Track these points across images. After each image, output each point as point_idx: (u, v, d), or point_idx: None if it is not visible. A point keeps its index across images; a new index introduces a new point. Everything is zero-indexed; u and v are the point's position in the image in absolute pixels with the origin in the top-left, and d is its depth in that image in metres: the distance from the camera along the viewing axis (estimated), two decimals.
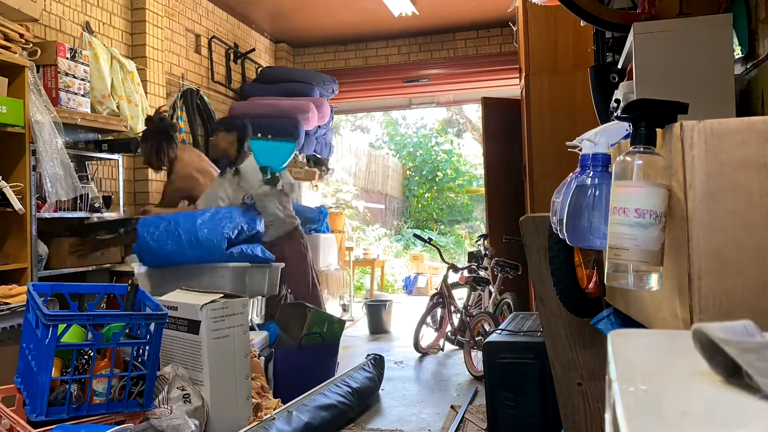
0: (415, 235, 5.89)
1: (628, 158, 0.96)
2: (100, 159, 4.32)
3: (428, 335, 5.10)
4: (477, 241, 5.76)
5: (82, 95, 3.87)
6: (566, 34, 4.09)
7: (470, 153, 16.13)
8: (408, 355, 4.96)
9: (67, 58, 3.76)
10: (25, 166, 3.37)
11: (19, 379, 2.39)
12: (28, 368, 2.32)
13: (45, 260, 3.59)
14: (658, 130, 0.99)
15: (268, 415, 2.83)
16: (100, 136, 4.24)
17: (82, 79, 3.88)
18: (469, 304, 5.02)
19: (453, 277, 5.12)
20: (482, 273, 5.17)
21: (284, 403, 3.03)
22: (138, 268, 3.68)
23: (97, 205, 3.97)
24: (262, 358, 3.26)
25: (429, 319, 5.06)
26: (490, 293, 5.03)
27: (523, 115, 4.61)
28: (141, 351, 2.42)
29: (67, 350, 2.21)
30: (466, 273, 5.14)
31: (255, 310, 3.96)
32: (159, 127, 4.07)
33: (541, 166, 4.14)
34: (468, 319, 4.74)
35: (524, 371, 2.41)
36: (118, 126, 4.13)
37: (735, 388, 0.53)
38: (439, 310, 5.03)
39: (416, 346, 4.96)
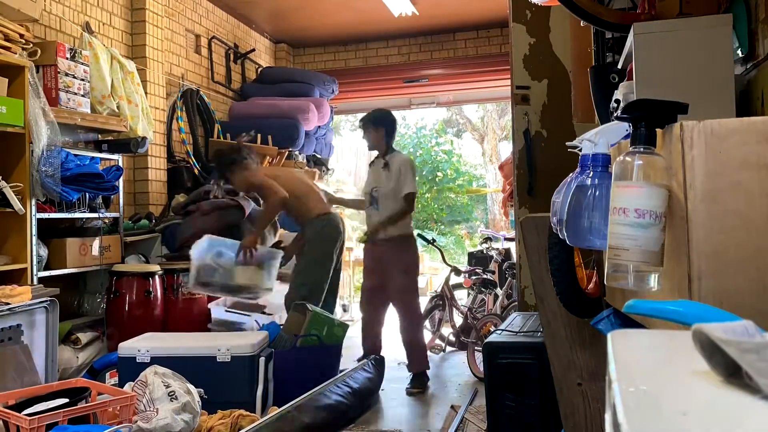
0: (419, 236, 5.88)
1: (628, 158, 0.96)
2: (100, 159, 4.31)
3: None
4: (482, 243, 5.74)
5: (82, 95, 3.87)
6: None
7: (470, 153, 16.12)
8: None
9: (67, 59, 3.76)
10: (25, 166, 3.36)
11: None
12: None
13: (45, 260, 3.59)
14: (658, 131, 0.99)
15: (269, 416, 2.83)
16: (100, 136, 4.24)
17: (82, 80, 3.87)
18: (474, 306, 5.02)
19: (453, 279, 5.12)
20: (488, 276, 5.15)
21: (282, 403, 3.03)
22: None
23: (95, 205, 3.97)
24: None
25: (427, 322, 5.04)
26: (496, 296, 5.03)
27: None
28: None
29: None
30: (469, 276, 5.13)
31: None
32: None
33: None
34: (474, 321, 4.74)
35: (524, 371, 2.40)
36: (118, 126, 4.13)
37: (735, 388, 0.53)
38: (437, 312, 5.02)
39: None
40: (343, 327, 3.83)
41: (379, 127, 4.21)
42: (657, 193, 0.93)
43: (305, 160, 6.42)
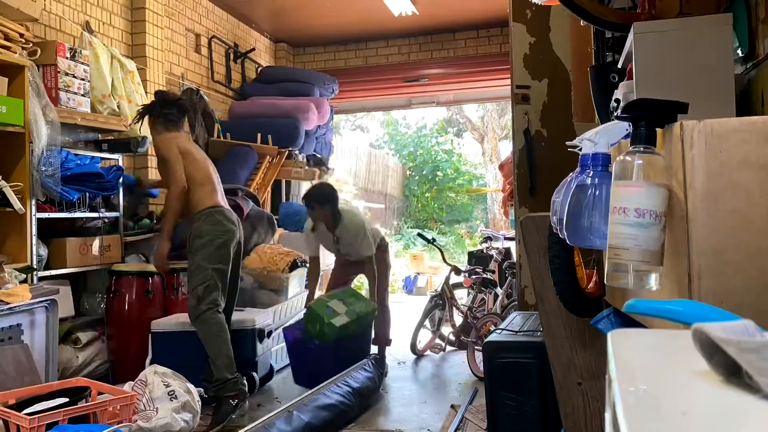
0: (420, 235, 5.89)
1: (628, 158, 0.96)
2: (100, 159, 4.31)
3: (424, 337, 5.07)
4: (482, 242, 5.74)
5: (82, 95, 3.86)
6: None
7: (470, 153, 16.12)
8: (408, 355, 4.95)
9: (67, 58, 3.76)
10: (25, 166, 3.36)
11: None
12: None
13: (45, 260, 3.59)
14: (658, 130, 0.99)
15: (268, 415, 2.83)
16: (100, 135, 4.24)
17: (82, 79, 3.87)
18: (474, 305, 5.01)
19: (453, 278, 5.11)
20: (488, 275, 5.15)
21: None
22: None
23: (95, 204, 3.97)
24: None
25: (427, 322, 5.04)
26: (496, 296, 5.02)
27: None
28: None
29: None
30: (469, 275, 5.13)
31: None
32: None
33: None
34: (474, 320, 4.74)
35: (524, 371, 2.40)
36: (118, 126, 4.13)
37: (735, 388, 0.53)
38: (437, 312, 5.01)
39: (413, 348, 4.94)
40: (332, 326, 3.81)
41: (325, 204, 4.10)
42: (657, 192, 0.93)
43: (305, 160, 6.42)
